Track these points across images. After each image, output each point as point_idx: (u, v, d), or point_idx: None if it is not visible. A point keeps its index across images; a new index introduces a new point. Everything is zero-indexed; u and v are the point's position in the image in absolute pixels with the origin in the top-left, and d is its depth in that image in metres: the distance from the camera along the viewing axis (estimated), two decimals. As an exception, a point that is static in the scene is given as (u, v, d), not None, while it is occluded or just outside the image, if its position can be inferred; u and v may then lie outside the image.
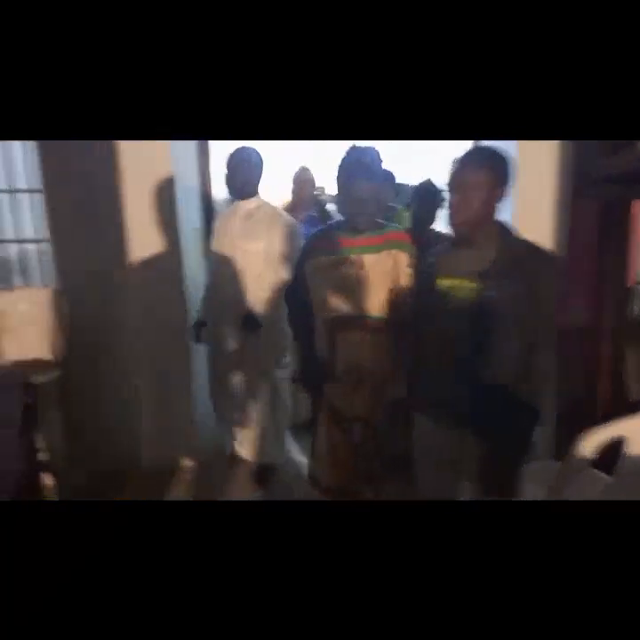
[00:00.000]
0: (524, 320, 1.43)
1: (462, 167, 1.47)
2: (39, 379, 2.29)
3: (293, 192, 3.38)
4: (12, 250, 2.96)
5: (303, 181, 3.34)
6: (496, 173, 1.45)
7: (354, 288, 1.81)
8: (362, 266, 1.80)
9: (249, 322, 2.37)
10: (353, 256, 1.81)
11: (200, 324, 2.56)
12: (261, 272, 2.40)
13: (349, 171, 1.76)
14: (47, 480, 2.42)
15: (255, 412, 2.51)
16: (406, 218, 3.26)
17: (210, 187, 3.00)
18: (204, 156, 2.96)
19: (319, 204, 3.34)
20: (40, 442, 2.25)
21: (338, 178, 1.79)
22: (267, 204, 2.48)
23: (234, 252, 2.42)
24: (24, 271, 2.97)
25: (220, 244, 2.47)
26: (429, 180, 2.84)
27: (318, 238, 1.92)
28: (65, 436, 2.44)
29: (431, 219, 2.77)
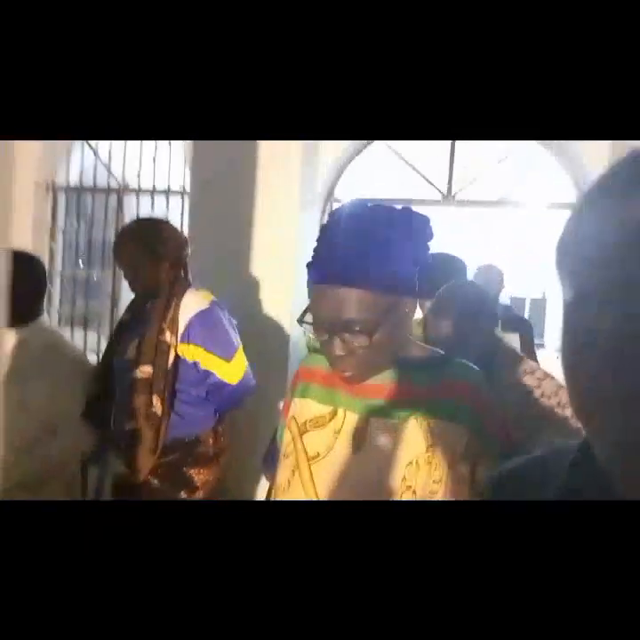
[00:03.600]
0: None
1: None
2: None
3: None
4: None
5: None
6: None
7: (334, 480, 0.89)
8: (362, 438, 0.88)
9: None
10: (347, 414, 0.90)
11: None
12: (37, 441, 1.50)
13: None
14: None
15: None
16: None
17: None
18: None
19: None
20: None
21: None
22: (44, 333, 1.59)
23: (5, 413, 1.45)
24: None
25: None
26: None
27: (311, 367, 1.00)
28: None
29: None
